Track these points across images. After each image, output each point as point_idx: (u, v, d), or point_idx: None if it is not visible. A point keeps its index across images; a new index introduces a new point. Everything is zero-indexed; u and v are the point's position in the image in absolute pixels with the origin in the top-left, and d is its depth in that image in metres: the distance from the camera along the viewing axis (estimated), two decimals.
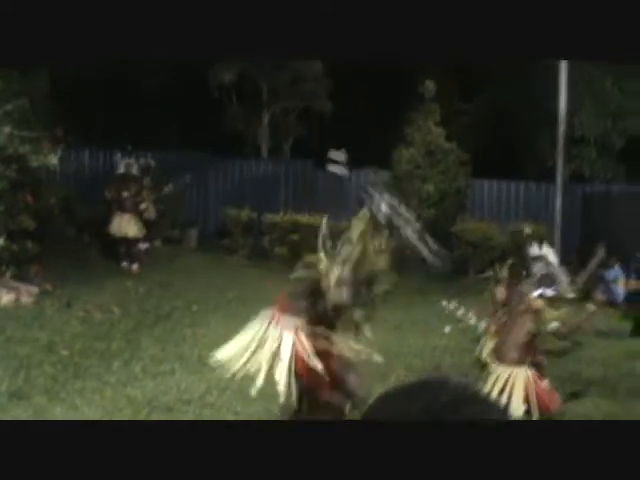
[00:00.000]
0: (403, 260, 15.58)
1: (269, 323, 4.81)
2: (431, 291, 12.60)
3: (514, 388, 6.06)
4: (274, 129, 19.44)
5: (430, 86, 15.53)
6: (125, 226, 13.10)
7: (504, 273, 7.94)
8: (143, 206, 13.30)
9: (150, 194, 13.52)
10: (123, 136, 14.86)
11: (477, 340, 7.71)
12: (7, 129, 9.42)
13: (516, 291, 7.27)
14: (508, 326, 6.35)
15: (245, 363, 4.75)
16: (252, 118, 19.23)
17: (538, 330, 6.29)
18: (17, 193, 10.01)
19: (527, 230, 9.07)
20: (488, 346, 7.52)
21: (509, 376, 6.09)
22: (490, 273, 8.41)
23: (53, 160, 10.05)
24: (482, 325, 7.77)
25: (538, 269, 6.55)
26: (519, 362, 6.15)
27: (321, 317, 4.80)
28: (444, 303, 8.12)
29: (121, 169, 13.32)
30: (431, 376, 1.12)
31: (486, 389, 6.19)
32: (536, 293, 6.30)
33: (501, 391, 6.10)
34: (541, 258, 7.14)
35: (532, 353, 6.30)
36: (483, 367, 7.14)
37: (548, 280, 6.37)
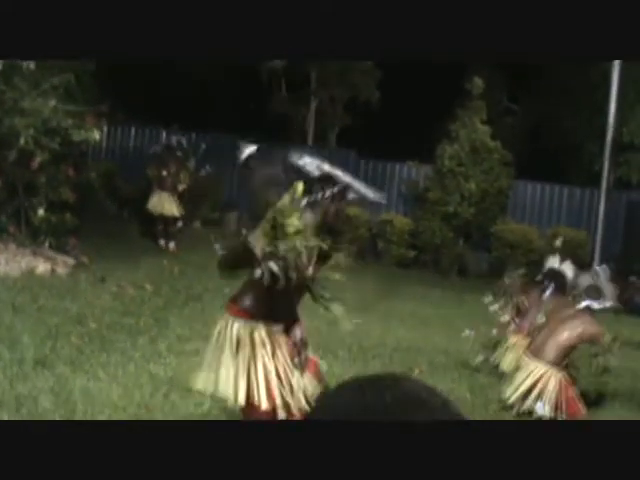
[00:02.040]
0: (437, 258, 15.48)
1: None
2: (464, 290, 12.51)
3: (546, 387, 6.07)
4: (320, 117, 19.44)
5: (478, 83, 15.38)
6: (163, 204, 13.21)
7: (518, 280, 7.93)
8: (181, 187, 13.40)
9: (188, 175, 13.61)
10: (169, 116, 14.99)
11: (491, 347, 7.61)
12: (52, 102, 9.56)
13: (539, 296, 7.24)
14: (550, 327, 6.35)
15: None
16: (299, 105, 19.27)
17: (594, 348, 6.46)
18: (59, 165, 10.15)
19: (558, 243, 8.94)
20: (508, 357, 7.39)
21: (543, 374, 6.10)
22: (522, 272, 8.36)
23: (95, 135, 10.17)
24: (494, 332, 7.68)
25: (585, 280, 6.56)
26: (556, 362, 6.16)
27: None
28: (487, 299, 8.05)
29: (161, 148, 13.45)
30: (387, 374, 1.08)
31: (515, 382, 6.20)
32: (583, 304, 6.34)
33: (532, 387, 6.11)
34: (558, 273, 7.12)
35: (569, 357, 6.34)
36: (500, 375, 7.09)
37: (595, 292, 6.37)
